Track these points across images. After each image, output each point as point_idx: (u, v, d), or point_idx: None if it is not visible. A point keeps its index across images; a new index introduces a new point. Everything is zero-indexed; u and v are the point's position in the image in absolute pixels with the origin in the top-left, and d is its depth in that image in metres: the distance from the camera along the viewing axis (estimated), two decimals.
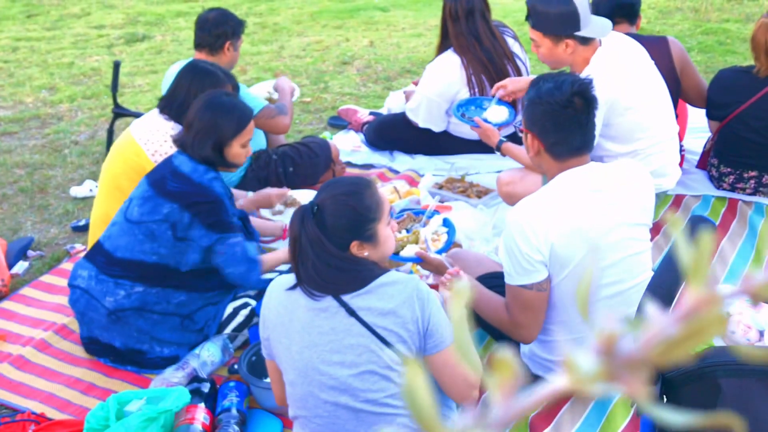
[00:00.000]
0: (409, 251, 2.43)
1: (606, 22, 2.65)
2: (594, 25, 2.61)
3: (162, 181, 2.34)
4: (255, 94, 3.58)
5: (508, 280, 2.04)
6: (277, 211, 3.00)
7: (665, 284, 1.90)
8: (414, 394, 0.41)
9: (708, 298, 0.40)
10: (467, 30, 3.30)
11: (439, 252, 2.40)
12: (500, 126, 3.05)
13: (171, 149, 2.60)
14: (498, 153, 2.94)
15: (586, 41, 2.62)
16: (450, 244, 2.45)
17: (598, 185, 2.02)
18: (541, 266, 1.99)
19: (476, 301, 2.19)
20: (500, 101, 3.16)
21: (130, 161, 2.68)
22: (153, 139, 2.69)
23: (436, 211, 2.67)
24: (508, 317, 2.10)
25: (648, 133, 2.75)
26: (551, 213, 1.97)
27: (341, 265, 1.69)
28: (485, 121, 3.04)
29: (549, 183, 2.05)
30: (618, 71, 2.65)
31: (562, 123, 1.99)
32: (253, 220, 2.68)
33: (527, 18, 2.71)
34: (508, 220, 2.02)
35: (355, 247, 1.71)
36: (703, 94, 3.22)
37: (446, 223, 2.51)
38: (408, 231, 2.56)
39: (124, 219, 2.35)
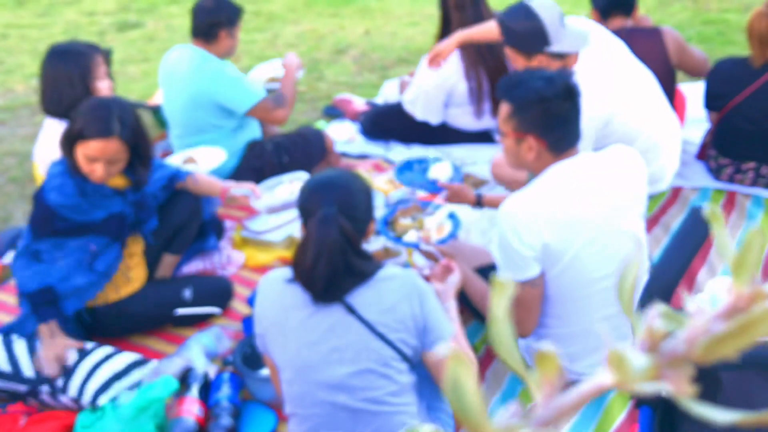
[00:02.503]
0: (411, 237, 2.43)
1: (583, 34, 2.56)
2: (567, 39, 2.52)
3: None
4: (260, 75, 3.52)
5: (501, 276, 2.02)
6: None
7: (665, 279, 1.87)
8: (460, 389, 0.39)
9: (754, 294, 0.39)
10: (473, 18, 3.26)
11: (441, 242, 2.37)
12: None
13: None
14: (479, 207, 2.68)
15: (560, 56, 2.53)
16: (452, 236, 2.43)
17: (590, 175, 1.99)
18: (533, 262, 1.97)
19: (471, 294, 2.17)
20: (436, 158, 3.02)
21: (38, 180, 2.65)
22: (41, 151, 2.60)
23: (441, 205, 2.64)
24: None
25: (641, 138, 2.71)
26: (544, 208, 1.95)
27: (356, 269, 1.65)
28: (434, 182, 2.85)
29: (540, 176, 2.02)
30: (605, 85, 2.59)
31: (565, 117, 1.95)
32: (198, 176, 2.58)
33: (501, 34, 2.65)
34: (500, 216, 1.99)
35: (371, 229, 1.73)
36: (707, 65, 3.22)
37: (452, 216, 2.49)
38: (413, 219, 2.55)
39: None
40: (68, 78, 2.51)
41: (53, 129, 2.57)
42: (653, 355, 0.38)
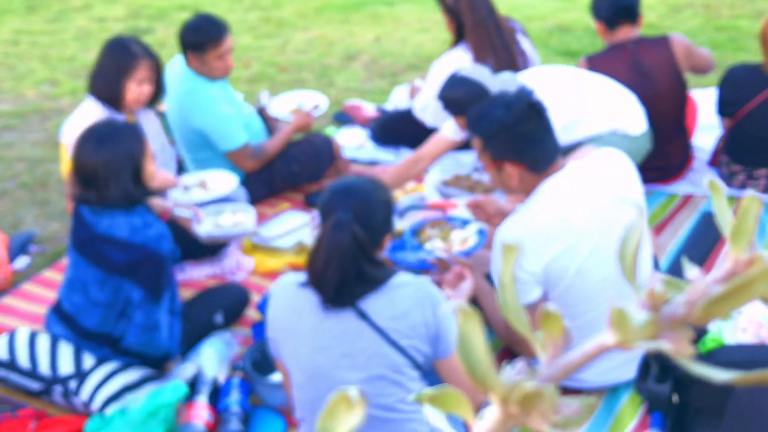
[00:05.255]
0: (432, 245, 2.44)
1: (509, 76, 2.76)
2: (501, 84, 2.67)
3: (102, 256, 2.08)
4: (286, 104, 3.44)
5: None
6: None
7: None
8: (469, 345, 0.41)
9: (751, 259, 0.40)
10: (487, 13, 3.23)
11: (464, 254, 2.36)
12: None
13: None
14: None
15: None
16: (475, 249, 2.42)
17: (583, 185, 1.99)
18: (534, 286, 1.98)
19: (484, 306, 2.18)
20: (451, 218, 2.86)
21: (65, 162, 2.64)
22: (75, 131, 2.54)
23: (471, 221, 2.60)
24: (507, 334, 2.13)
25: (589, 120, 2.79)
26: (541, 226, 1.94)
27: (368, 275, 1.64)
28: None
29: (533, 197, 2.01)
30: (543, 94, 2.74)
31: (534, 136, 1.97)
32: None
33: (446, 110, 2.75)
34: (495, 243, 1.99)
35: (387, 241, 1.72)
36: (712, 61, 3.23)
37: (480, 231, 2.49)
38: (440, 230, 2.56)
39: (89, 301, 2.15)
40: (110, 68, 2.59)
41: (91, 110, 2.60)
42: (654, 315, 0.39)
